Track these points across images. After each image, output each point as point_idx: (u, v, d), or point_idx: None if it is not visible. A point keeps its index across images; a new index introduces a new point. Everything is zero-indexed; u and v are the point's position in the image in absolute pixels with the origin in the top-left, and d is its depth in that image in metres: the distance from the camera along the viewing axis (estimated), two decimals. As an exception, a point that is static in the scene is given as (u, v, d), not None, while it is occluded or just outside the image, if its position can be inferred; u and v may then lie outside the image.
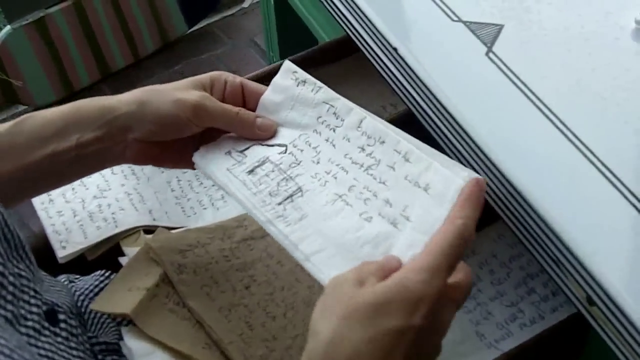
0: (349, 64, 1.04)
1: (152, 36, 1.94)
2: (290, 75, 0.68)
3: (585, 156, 0.61)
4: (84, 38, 1.85)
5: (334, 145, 0.64)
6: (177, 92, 0.64)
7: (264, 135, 0.66)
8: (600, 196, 0.55)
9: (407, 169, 0.59)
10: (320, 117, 0.66)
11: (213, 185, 0.91)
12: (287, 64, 0.69)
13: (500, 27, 0.73)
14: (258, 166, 0.64)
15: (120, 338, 0.68)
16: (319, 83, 0.67)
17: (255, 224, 0.81)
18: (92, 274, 0.78)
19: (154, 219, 0.84)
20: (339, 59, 1.05)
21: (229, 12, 2.08)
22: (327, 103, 0.66)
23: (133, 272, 0.73)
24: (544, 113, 0.64)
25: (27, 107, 1.85)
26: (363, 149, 0.62)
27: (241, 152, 0.66)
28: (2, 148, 0.64)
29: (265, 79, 1.00)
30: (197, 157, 0.67)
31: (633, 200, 0.57)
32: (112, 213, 0.83)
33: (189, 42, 2.01)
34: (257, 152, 0.66)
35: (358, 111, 0.64)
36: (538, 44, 0.71)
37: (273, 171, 0.63)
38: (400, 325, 0.47)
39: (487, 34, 0.72)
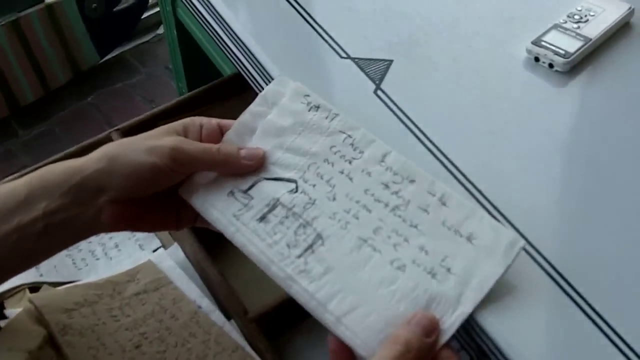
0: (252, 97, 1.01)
1: (62, 67, 1.88)
2: (300, 99, 0.62)
3: (472, 194, 0.58)
4: (-11, 72, 1.78)
5: (350, 179, 0.57)
6: (149, 140, 0.57)
7: (252, 165, 0.59)
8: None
9: (444, 214, 0.54)
10: (333, 146, 0.59)
11: (107, 234, 0.86)
12: (298, 86, 0.63)
13: (389, 63, 0.70)
14: (269, 212, 0.57)
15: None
16: (335, 110, 0.61)
17: (149, 276, 0.77)
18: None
19: (41, 275, 0.79)
20: (244, 91, 1.01)
21: (143, 40, 2.04)
22: (343, 133, 0.60)
23: (14, 332, 0.68)
24: (431, 152, 0.62)
25: None
26: (387, 186, 0.56)
27: (245, 192, 0.58)
28: None
29: (178, 110, 0.99)
30: (196, 200, 0.58)
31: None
32: (-6, 271, 0.77)
33: (102, 72, 1.95)
34: (264, 191, 0.58)
35: (381, 144, 0.59)
36: (427, 79, 0.69)
37: (287, 217, 0.56)
38: None
39: (376, 71, 0.70)
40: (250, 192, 0.58)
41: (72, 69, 1.91)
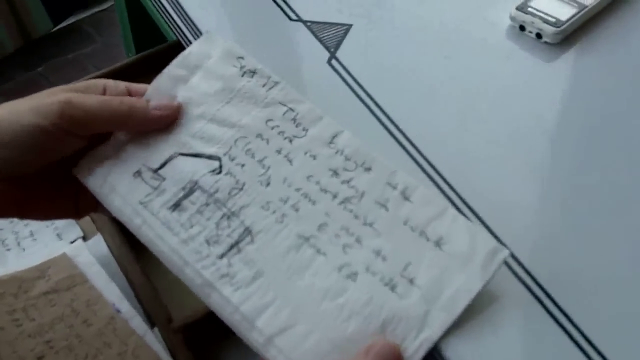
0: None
1: (10, 35, 1.75)
2: (233, 61, 0.51)
3: (439, 187, 0.48)
4: None
5: (289, 161, 0.46)
6: (38, 98, 0.46)
7: (165, 116, 0.48)
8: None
9: (407, 212, 0.44)
10: (270, 120, 0.48)
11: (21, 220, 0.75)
12: (230, 46, 0.51)
13: (347, 28, 0.59)
14: (185, 197, 0.46)
15: None
16: (275, 77, 0.50)
17: (62, 272, 0.66)
18: None
19: (-64, 268, 0.67)
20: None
21: (100, 8, 1.91)
22: (284, 105, 0.49)
23: None
24: (393, 135, 0.51)
25: None
26: (337, 173, 0.46)
27: (156, 171, 0.47)
28: None
29: (122, 73, 0.88)
30: (94, 182, 0.47)
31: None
32: None
33: (54, 40, 1.82)
34: (179, 170, 0.47)
35: (331, 122, 0.48)
36: (390, 48, 0.58)
37: (207, 205, 0.45)
38: None
39: (332, 37, 0.59)
40: (162, 171, 0.47)
41: (22, 37, 1.78)
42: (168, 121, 0.48)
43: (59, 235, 0.73)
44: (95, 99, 0.46)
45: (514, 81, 0.55)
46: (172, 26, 0.68)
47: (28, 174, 0.47)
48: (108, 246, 0.69)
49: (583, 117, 0.52)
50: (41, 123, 0.44)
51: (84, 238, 0.71)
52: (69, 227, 0.73)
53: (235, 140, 0.47)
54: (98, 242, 0.70)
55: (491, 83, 0.55)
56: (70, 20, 1.87)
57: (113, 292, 0.64)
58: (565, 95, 0.54)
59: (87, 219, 0.73)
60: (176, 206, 0.45)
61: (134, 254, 0.65)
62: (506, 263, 0.44)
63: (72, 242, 0.71)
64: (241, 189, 0.46)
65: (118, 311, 0.63)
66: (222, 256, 0.43)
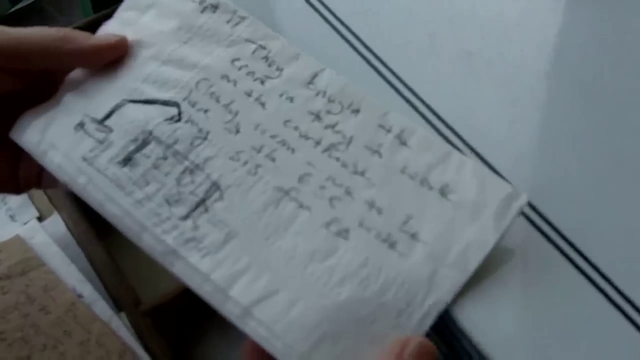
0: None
1: (-36, 17, 1.65)
2: None
3: (443, 134, 0.41)
4: None
5: (262, 104, 0.40)
6: None
7: (107, 47, 0.40)
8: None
9: (404, 157, 0.37)
10: (237, 60, 0.41)
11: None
12: None
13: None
14: (137, 150, 0.39)
15: None
16: (242, 12, 0.42)
17: (14, 256, 0.59)
18: None
19: None
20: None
21: (61, -14, 1.81)
22: (253, 42, 0.41)
23: None
24: (384, 76, 0.44)
25: None
26: (319, 117, 0.39)
27: (101, 122, 0.39)
28: None
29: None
30: (30, 140, 0.40)
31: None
32: None
33: (12, 21, 1.72)
34: (129, 118, 0.39)
35: (309, 60, 0.41)
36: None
37: (165, 158, 0.38)
38: None
39: (308, -27, 0.52)
40: (109, 122, 0.40)
41: (-23, 19, 1.68)
42: (111, 54, 0.41)
43: (12, 217, 0.66)
44: (27, 28, 0.39)
45: (520, 14, 0.49)
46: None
47: None
48: (66, 225, 0.62)
49: (599, 53, 0.46)
50: None
51: (40, 219, 0.64)
52: (23, 208, 0.66)
53: (197, 83, 0.40)
54: (55, 222, 0.63)
55: (496, 20, 0.48)
56: (29, 0, 1.77)
57: (73, 275, 0.58)
58: (578, 30, 0.48)
59: (43, 198, 0.66)
60: (127, 160, 0.38)
61: (95, 232, 0.58)
62: (523, 213, 0.38)
63: (26, 224, 0.64)
64: (205, 137, 0.39)
65: (79, 296, 0.56)
66: (185, 217, 0.37)
